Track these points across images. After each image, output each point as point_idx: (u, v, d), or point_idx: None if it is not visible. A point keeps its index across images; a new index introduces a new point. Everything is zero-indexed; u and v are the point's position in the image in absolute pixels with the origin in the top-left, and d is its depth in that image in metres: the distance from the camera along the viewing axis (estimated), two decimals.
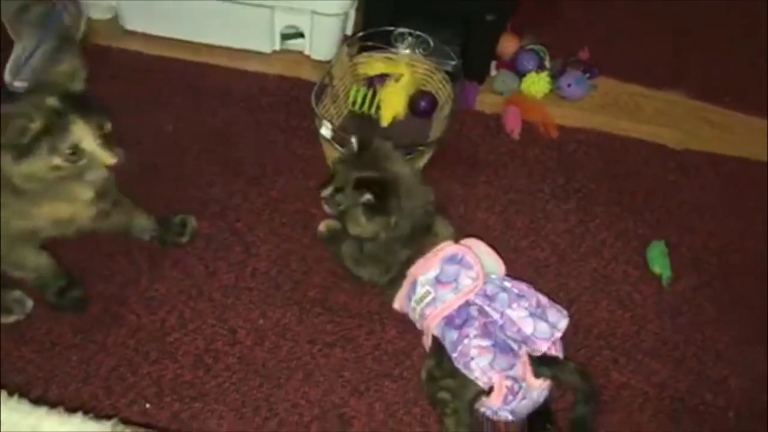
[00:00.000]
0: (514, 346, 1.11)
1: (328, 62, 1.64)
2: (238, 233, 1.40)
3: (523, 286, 1.18)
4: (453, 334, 1.13)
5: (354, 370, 1.26)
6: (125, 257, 1.33)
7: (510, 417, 1.14)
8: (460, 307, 1.15)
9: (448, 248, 1.21)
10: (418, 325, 1.24)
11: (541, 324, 1.13)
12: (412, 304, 1.21)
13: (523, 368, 1.10)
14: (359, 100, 1.65)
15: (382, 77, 1.67)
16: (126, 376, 1.19)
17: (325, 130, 1.42)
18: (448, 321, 1.15)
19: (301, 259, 1.38)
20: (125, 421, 0.96)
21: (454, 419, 1.14)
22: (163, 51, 1.73)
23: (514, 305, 1.14)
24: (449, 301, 1.15)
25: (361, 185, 1.21)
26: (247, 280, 1.34)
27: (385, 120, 1.64)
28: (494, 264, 1.22)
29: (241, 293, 1.32)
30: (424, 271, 1.19)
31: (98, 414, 1.02)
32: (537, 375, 1.11)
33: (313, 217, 1.44)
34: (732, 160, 1.72)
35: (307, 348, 1.27)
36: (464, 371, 1.10)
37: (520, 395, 1.10)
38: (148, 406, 1.16)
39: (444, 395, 1.14)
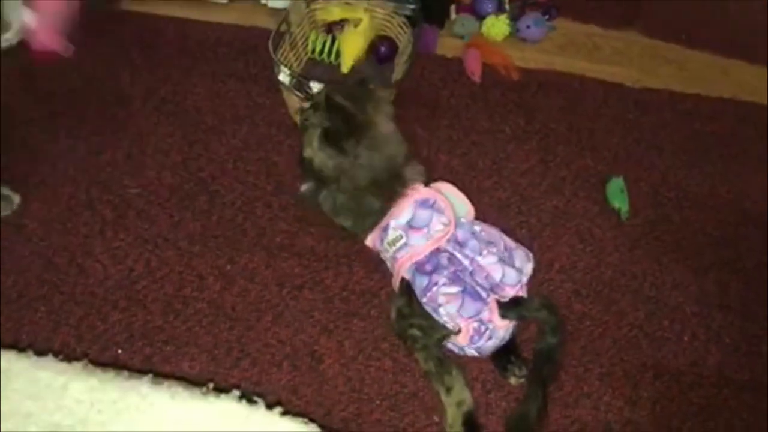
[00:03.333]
0: (483, 293, 1.14)
1: (285, 9, 1.62)
2: (202, 182, 1.40)
3: (492, 230, 1.21)
4: (423, 280, 1.15)
5: (323, 311, 1.28)
6: (88, 209, 1.33)
7: (476, 354, 1.18)
8: (431, 253, 1.17)
9: (419, 192, 1.22)
10: (388, 265, 1.27)
11: (509, 270, 1.16)
12: (385, 245, 1.22)
13: (490, 311, 1.14)
14: (318, 47, 1.64)
15: (341, 23, 1.66)
16: (96, 324, 1.20)
17: (284, 76, 1.42)
18: (419, 266, 1.17)
19: (266, 206, 1.39)
20: (96, 363, 0.97)
21: (424, 354, 1.18)
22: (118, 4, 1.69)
23: (484, 252, 1.16)
24: (421, 246, 1.17)
25: (331, 109, 1.20)
26: (213, 228, 1.34)
27: (346, 66, 1.63)
28: (464, 207, 1.24)
29: (208, 241, 1.33)
30: (397, 215, 1.21)
31: (69, 358, 1.03)
32: (504, 317, 1.14)
33: (275, 165, 1.45)
34: (688, 97, 1.76)
35: (275, 291, 1.29)
36: (433, 315, 1.14)
37: (486, 335, 1.14)
38: (119, 351, 1.17)
39: (414, 332, 1.17)
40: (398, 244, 1.20)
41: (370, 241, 1.28)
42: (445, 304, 1.12)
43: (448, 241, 1.17)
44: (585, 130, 1.65)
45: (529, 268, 1.19)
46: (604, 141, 1.63)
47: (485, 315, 1.13)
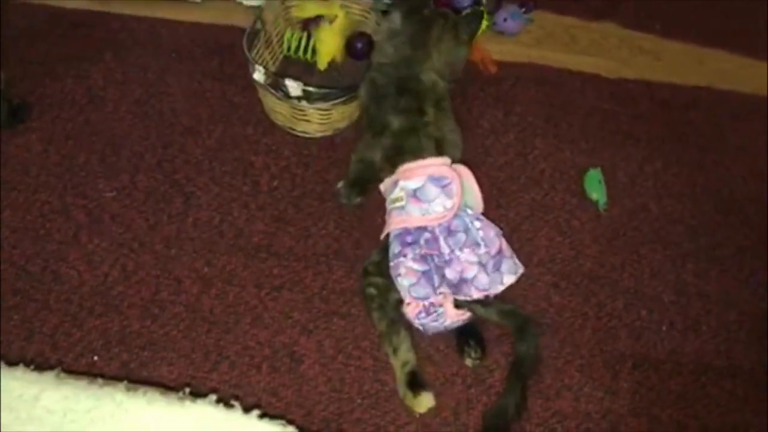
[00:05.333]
0: (437, 283, 1.17)
1: (260, 7, 1.60)
2: (177, 184, 1.39)
3: (492, 232, 1.23)
4: (396, 247, 1.19)
5: (302, 311, 1.28)
6: (62, 215, 1.31)
7: (421, 329, 1.21)
8: (419, 228, 1.20)
9: (441, 168, 1.23)
10: (386, 216, 1.28)
11: (482, 275, 1.18)
12: (389, 198, 1.26)
13: (444, 297, 1.17)
14: (294, 45, 1.62)
15: (317, 20, 1.64)
16: (71, 331, 1.19)
17: (259, 75, 1.40)
18: (402, 233, 1.21)
19: (243, 207, 1.38)
20: (69, 371, 0.96)
21: (378, 313, 1.22)
22: (90, 5, 1.67)
23: (466, 250, 1.18)
24: (413, 217, 1.20)
25: None
26: (189, 230, 1.34)
27: (322, 63, 1.62)
28: (475, 200, 1.26)
29: (184, 243, 1.32)
30: (409, 177, 1.23)
31: (43, 367, 1.02)
32: (457, 306, 1.19)
33: (252, 165, 1.44)
34: (664, 86, 1.76)
35: (254, 292, 1.28)
36: (394, 281, 1.18)
37: (432, 317, 1.18)
38: (96, 358, 1.16)
39: (371, 291, 1.23)
40: (397, 204, 1.22)
41: (382, 186, 1.30)
42: (403, 276, 1.17)
43: (440, 224, 1.19)
44: (563, 122, 1.65)
45: (510, 279, 1.22)
46: (582, 132, 1.63)
47: (432, 300, 1.17)
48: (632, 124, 1.68)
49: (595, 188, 1.51)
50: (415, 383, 1.17)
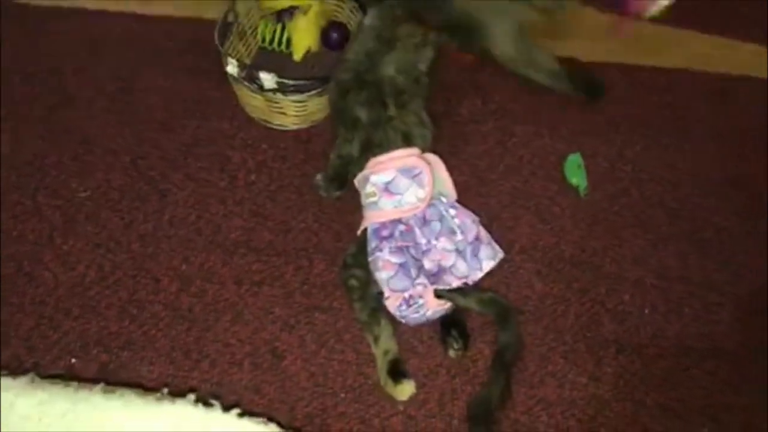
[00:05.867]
0: (414, 274, 1.17)
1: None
2: (153, 182, 1.37)
3: (468, 219, 1.23)
4: (373, 242, 1.19)
5: (283, 306, 1.27)
6: (35, 216, 1.29)
7: (402, 321, 1.21)
8: (394, 221, 1.20)
9: (410, 159, 1.24)
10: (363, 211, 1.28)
11: (461, 262, 1.19)
12: (363, 194, 1.26)
13: (423, 288, 1.17)
14: (268, 36, 1.60)
15: (291, 10, 1.62)
16: (48, 333, 1.17)
17: (232, 68, 1.39)
18: (378, 228, 1.21)
19: (220, 202, 1.37)
20: (45, 375, 0.95)
21: (359, 304, 1.23)
22: (59, 2, 1.64)
23: (442, 238, 1.19)
24: (387, 211, 1.20)
25: None
26: (166, 228, 1.32)
27: (298, 54, 1.60)
28: (447, 188, 1.27)
29: (161, 241, 1.30)
30: (379, 171, 1.23)
31: (18, 372, 1.00)
32: (437, 296, 1.18)
33: (229, 159, 1.42)
34: (642, 69, 1.75)
35: (234, 289, 1.27)
36: (374, 274, 1.18)
37: (413, 308, 1.18)
38: (73, 360, 1.15)
39: (353, 282, 1.23)
40: (370, 200, 1.22)
41: (356, 181, 1.29)
42: (381, 269, 1.17)
43: (414, 215, 1.19)
44: (541, 108, 1.64)
45: (488, 264, 1.22)
46: (561, 118, 1.63)
47: (411, 292, 1.16)
48: (611, 109, 1.67)
49: (575, 174, 1.51)
50: (397, 371, 1.18)
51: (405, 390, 1.17)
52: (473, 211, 1.27)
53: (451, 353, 1.24)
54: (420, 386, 1.20)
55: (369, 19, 1.41)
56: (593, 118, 1.64)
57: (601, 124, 1.64)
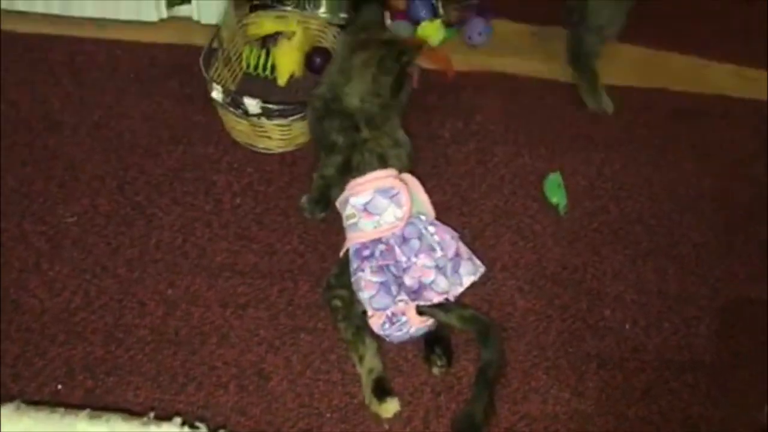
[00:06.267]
0: (395, 292, 1.19)
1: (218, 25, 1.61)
2: (139, 206, 1.39)
3: (446, 235, 1.25)
4: (355, 263, 1.21)
5: (269, 328, 1.28)
6: (21, 243, 1.30)
7: (386, 339, 1.23)
8: (374, 241, 1.22)
9: (387, 180, 1.26)
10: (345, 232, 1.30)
11: (441, 278, 1.20)
12: (343, 215, 1.28)
13: (405, 305, 1.19)
14: (253, 62, 1.63)
15: (275, 36, 1.65)
16: (33, 360, 1.17)
17: (217, 94, 1.41)
18: (359, 248, 1.23)
19: (205, 226, 1.38)
20: (30, 402, 0.95)
21: (344, 324, 1.25)
22: (43, 29, 1.66)
23: (422, 255, 1.20)
24: (367, 232, 1.23)
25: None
26: (152, 252, 1.33)
27: (282, 79, 1.63)
28: (425, 206, 1.29)
29: (147, 266, 1.31)
30: (357, 193, 1.25)
31: (4, 399, 1.01)
32: (419, 313, 1.20)
33: (214, 183, 1.44)
34: (620, 90, 1.79)
35: (219, 312, 1.28)
36: (356, 294, 1.20)
37: (396, 326, 1.20)
38: (59, 387, 1.15)
39: (336, 303, 1.25)
40: (351, 221, 1.25)
41: (337, 203, 1.31)
42: (363, 289, 1.19)
43: (394, 234, 1.22)
44: (522, 128, 1.67)
45: (469, 280, 1.25)
46: (541, 138, 1.66)
47: (393, 310, 1.19)
48: (590, 128, 1.71)
49: (556, 192, 1.54)
50: (381, 390, 1.19)
51: (390, 408, 1.19)
52: (453, 228, 1.29)
53: (435, 371, 1.25)
54: (405, 404, 1.22)
55: (338, 46, 1.44)
56: (572, 138, 1.68)
57: (581, 143, 1.67)
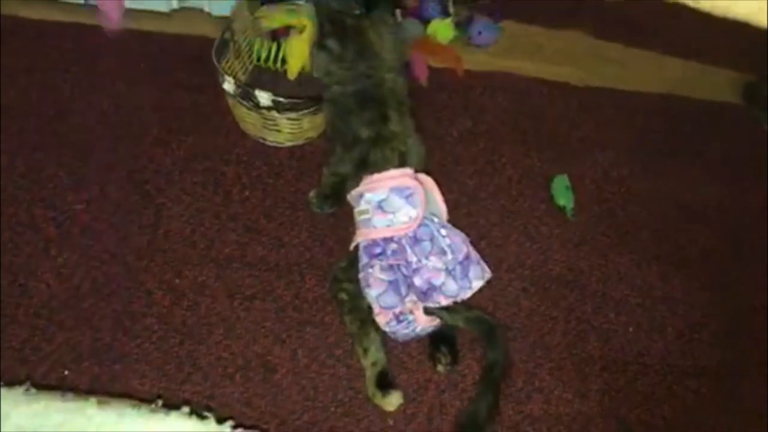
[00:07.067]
0: (403, 292, 1.19)
1: (229, 18, 1.61)
2: (148, 195, 1.38)
3: (458, 238, 1.23)
4: (365, 259, 1.21)
5: (275, 320, 1.28)
6: (30, 228, 1.30)
7: (392, 336, 1.23)
8: (385, 239, 1.21)
9: (403, 179, 1.24)
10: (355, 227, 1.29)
11: (450, 282, 1.19)
12: (356, 210, 1.27)
13: (412, 305, 1.19)
14: (264, 54, 1.63)
15: (286, 30, 1.65)
16: (41, 345, 1.17)
17: (228, 85, 1.41)
18: (370, 245, 1.22)
19: (214, 217, 1.38)
20: (38, 386, 0.95)
21: (349, 317, 1.25)
22: (56, 16, 1.66)
23: (432, 257, 1.19)
24: (379, 230, 1.22)
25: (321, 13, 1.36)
26: (160, 242, 1.33)
27: (292, 73, 1.62)
28: (439, 207, 1.28)
29: (155, 255, 1.31)
30: (373, 190, 1.24)
31: (12, 383, 1.01)
32: (426, 313, 1.21)
33: (224, 175, 1.44)
34: (628, 94, 1.81)
35: (226, 303, 1.28)
36: (364, 291, 1.20)
37: (403, 324, 1.20)
38: (66, 372, 1.15)
39: (343, 296, 1.25)
40: (363, 217, 1.24)
41: (349, 197, 1.30)
42: (372, 286, 1.19)
43: (406, 234, 1.20)
44: (530, 129, 1.68)
45: (477, 284, 1.23)
46: (549, 140, 1.67)
47: (399, 309, 1.19)
48: (598, 132, 1.72)
49: (563, 194, 1.55)
50: (385, 383, 1.20)
51: (393, 401, 1.19)
52: (463, 231, 1.29)
53: (440, 369, 1.26)
54: (409, 401, 1.22)
55: (335, 47, 1.36)
56: (580, 141, 1.68)
57: (588, 146, 1.68)
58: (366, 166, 1.27)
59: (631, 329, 1.39)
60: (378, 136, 1.27)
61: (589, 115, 1.75)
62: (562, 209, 1.53)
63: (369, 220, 1.23)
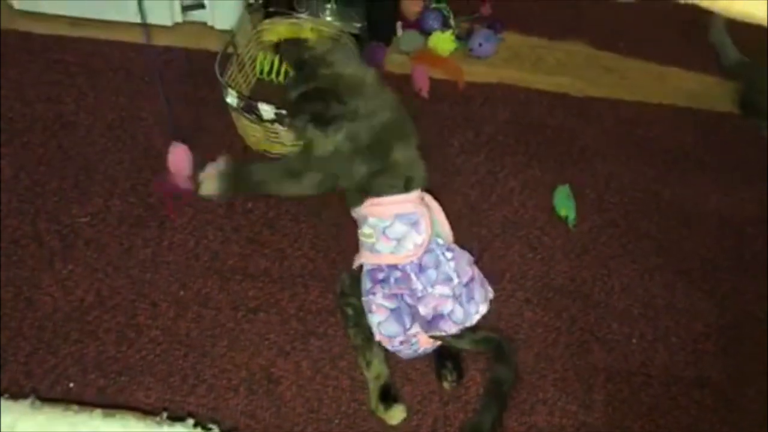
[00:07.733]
0: (407, 322, 1.18)
1: (232, 31, 1.62)
2: (152, 208, 1.39)
3: (463, 260, 1.21)
4: (368, 284, 1.20)
5: (279, 332, 1.28)
6: (34, 241, 1.30)
7: (397, 354, 1.23)
8: (390, 266, 1.19)
9: (408, 204, 1.20)
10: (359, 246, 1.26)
11: (458, 308, 1.16)
12: (360, 231, 1.24)
13: (416, 329, 1.19)
14: (266, 68, 1.65)
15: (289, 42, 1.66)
16: (46, 358, 1.17)
17: (231, 99, 1.42)
18: (374, 270, 1.21)
19: (218, 229, 1.39)
20: (43, 399, 0.95)
21: (354, 330, 1.25)
22: (60, 30, 1.67)
23: (438, 286, 1.16)
24: (383, 256, 1.20)
25: (299, 102, 1.22)
26: (165, 254, 1.33)
27: None
28: (445, 231, 1.25)
29: (159, 267, 1.32)
30: (378, 215, 1.20)
31: (17, 396, 1.01)
32: (431, 336, 1.20)
33: None
34: (629, 104, 1.82)
35: (230, 315, 1.29)
36: (366, 315, 1.20)
37: (406, 345, 1.20)
38: (71, 385, 1.15)
39: (348, 310, 1.25)
40: (368, 240, 1.22)
41: (354, 213, 1.27)
42: (374, 312, 1.18)
43: (411, 262, 1.18)
44: (531, 140, 1.69)
45: (483, 308, 1.20)
46: (550, 150, 1.68)
47: (400, 339, 1.19)
48: (599, 142, 1.72)
49: (565, 205, 1.55)
50: (388, 396, 1.20)
51: (396, 415, 1.19)
52: (465, 242, 1.29)
53: (446, 385, 1.25)
54: (413, 413, 1.22)
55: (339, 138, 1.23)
56: (581, 151, 1.69)
57: (589, 157, 1.69)
58: (369, 192, 1.22)
59: (634, 340, 1.39)
60: (381, 169, 1.21)
61: (589, 126, 1.76)
62: (564, 219, 1.54)
63: (373, 244, 1.20)
